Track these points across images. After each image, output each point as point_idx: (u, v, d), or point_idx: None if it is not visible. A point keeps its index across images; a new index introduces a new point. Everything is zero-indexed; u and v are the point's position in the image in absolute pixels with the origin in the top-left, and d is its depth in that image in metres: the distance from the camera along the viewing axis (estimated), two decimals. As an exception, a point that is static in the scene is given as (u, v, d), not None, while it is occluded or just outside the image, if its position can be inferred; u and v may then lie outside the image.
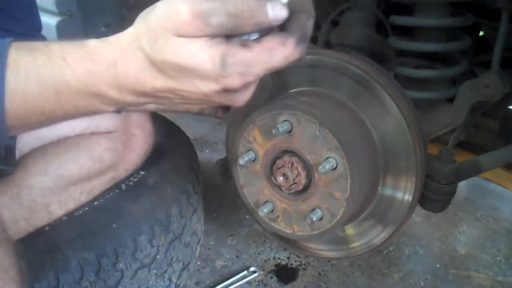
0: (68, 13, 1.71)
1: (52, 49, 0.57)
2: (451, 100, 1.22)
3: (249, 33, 0.55)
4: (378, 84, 0.99)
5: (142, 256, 1.08)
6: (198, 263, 1.59)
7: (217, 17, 0.52)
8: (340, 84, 1.03)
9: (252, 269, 1.56)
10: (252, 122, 0.98)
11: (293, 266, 1.59)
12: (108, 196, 1.12)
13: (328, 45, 1.36)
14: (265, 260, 1.62)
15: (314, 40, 1.43)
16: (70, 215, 1.06)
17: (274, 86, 1.11)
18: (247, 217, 1.80)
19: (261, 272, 1.56)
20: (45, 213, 1.03)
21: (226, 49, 0.53)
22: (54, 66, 0.56)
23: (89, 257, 0.98)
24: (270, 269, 1.58)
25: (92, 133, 1.13)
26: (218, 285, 1.50)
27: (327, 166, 0.89)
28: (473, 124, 1.39)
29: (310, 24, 0.58)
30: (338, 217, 0.93)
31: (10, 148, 1.04)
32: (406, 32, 1.29)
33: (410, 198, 1.03)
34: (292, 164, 0.95)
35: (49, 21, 1.67)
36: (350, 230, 1.12)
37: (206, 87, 0.55)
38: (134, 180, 1.18)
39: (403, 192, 1.03)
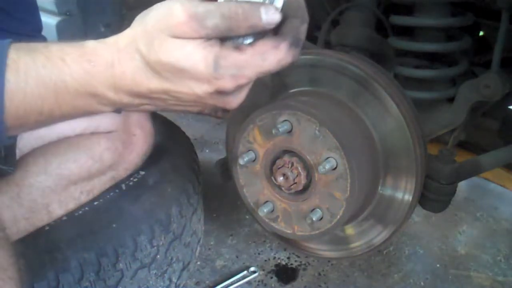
0: (68, 13, 1.71)
1: (51, 50, 0.58)
2: (451, 100, 1.22)
3: (243, 36, 0.56)
4: (378, 84, 0.99)
5: (142, 256, 1.08)
6: (198, 263, 1.59)
7: (212, 19, 0.53)
8: (340, 84, 1.03)
9: (252, 269, 1.56)
10: (252, 122, 0.98)
11: (293, 266, 1.59)
12: (108, 196, 1.12)
13: (328, 45, 1.36)
14: (265, 260, 1.62)
15: (314, 40, 1.43)
16: (70, 215, 1.06)
17: (274, 86, 1.11)
18: (247, 217, 1.80)
19: (261, 272, 1.56)
20: (45, 213, 1.03)
21: (219, 51, 0.54)
22: (53, 66, 0.56)
23: (89, 257, 0.98)
24: (270, 269, 1.58)
25: (92, 133, 1.13)
26: (218, 285, 1.50)
27: (327, 166, 0.89)
28: (473, 124, 1.39)
29: (303, 29, 0.59)
30: (338, 217, 0.93)
31: (10, 148, 1.04)
32: (406, 32, 1.29)
33: (410, 198, 1.03)
34: (292, 164, 0.95)
35: (49, 21, 1.67)
36: (350, 230, 1.12)
37: (200, 88, 0.56)
38: (134, 180, 1.18)
39: (403, 192, 1.03)
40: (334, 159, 0.91)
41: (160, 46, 0.54)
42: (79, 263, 0.96)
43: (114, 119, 1.14)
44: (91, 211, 1.08)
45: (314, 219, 0.94)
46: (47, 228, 1.02)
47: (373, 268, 1.59)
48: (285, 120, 0.93)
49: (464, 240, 1.73)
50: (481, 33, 1.43)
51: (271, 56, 0.56)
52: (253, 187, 1.04)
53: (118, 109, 0.64)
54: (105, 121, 1.13)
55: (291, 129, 0.93)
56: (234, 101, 0.61)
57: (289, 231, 1.02)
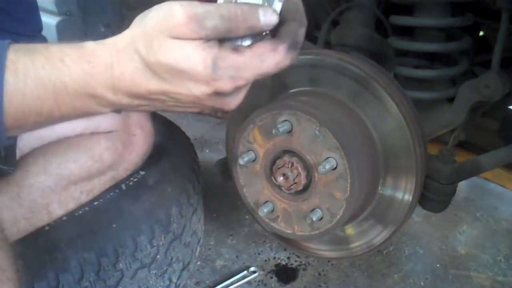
0: (68, 13, 1.71)
1: (51, 51, 0.58)
2: (451, 100, 1.22)
3: (241, 38, 0.57)
4: (378, 84, 0.99)
5: (142, 256, 1.08)
6: (198, 263, 1.58)
7: (211, 20, 0.53)
8: (340, 84, 1.03)
9: (252, 269, 1.56)
10: (252, 122, 0.98)
11: (293, 266, 1.59)
12: (108, 196, 1.12)
13: (328, 45, 1.36)
14: (265, 260, 1.62)
15: (314, 40, 1.43)
16: (70, 215, 1.06)
17: (274, 86, 1.11)
18: (247, 217, 1.80)
19: (261, 272, 1.56)
20: (45, 213, 1.03)
21: (218, 53, 0.54)
22: (52, 67, 0.57)
23: (89, 257, 0.98)
24: (270, 269, 1.58)
25: (92, 133, 1.13)
26: (218, 285, 1.50)
27: (327, 166, 0.90)
28: (473, 124, 1.39)
29: (301, 32, 0.59)
30: (338, 217, 0.94)
31: (10, 148, 1.04)
32: (406, 32, 1.29)
33: (410, 198, 1.03)
34: (292, 164, 0.95)
35: (49, 21, 1.67)
36: (350, 230, 1.12)
37: (198, 89, 0.56)
38: (134, 180, 1.18)
39: (403, 192, 1.03)
40: (334, 159, 0.91)
41: (159, 47, 0.54)
42: (79, 263, 0.96)
43: (114, 119, 1.14)
44: (91, 211, 1.08)
45: (314, 219, 0.94)
46: (47, 228, 1.02)
47: (373, 268, 1.59)
48: (285, 120, 0.93)
49: (464, 240, 1.73)
50: (481, 33, 1.43)
51: (270, 58, 0.56)
52: (253, 187, 1.04)
53: (117, 110, 0.64)
54: (105, 121, 1.13)
55: (291, 129, 0.93)
56: (232, 103, 0.61)
57: (289, 231, 1.02)
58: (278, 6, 0.57)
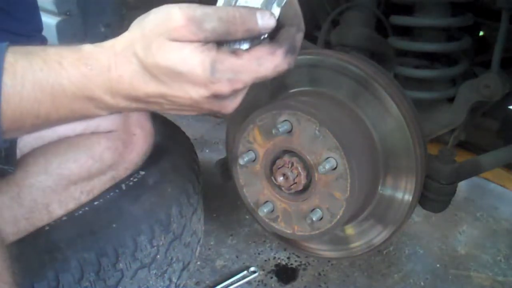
0: (68, 13, 1.71)
1: (49, 53, 0.57)
2: (451, 100, 1.22)
3: (239, 42, 0.57)
4: (378, 84, 0.99)
5: (142, 256, 1.08)
6: (198, 263, 1.58)
7: (210, 22, 0.53)
8: (340, 84, 1.03)
9: (252, 269, 1.57)
10: (252, 122, 0.98)
11: (293, 266, 1.59)
12: (108, 196, 1.12)
13: (328, 45, 1.36)
14: (265, 260, 1.62)
15: (314, 40, 1.43)
16: (70, 215, 1.06)
17: (274, 86, 1.11)
18: (247, 217, 1.80)
19: (261, 272, 1.56)
20: (45, 213, 1.03)
21: (216, 55, 0.55)
22: (50, 70, 0.56)
23: (89, 257, 0.98)
24: (270, 269, 1.58)
25: (92, 133, 1.13)
26: (218, 285, 1.50)
27: (327, 166, 0.90)
28: (473, 124, 1.39)
29: (299, 37, 0.60)
30: (338, 217, 0.94)
31: (11, 148, 1.04)
32: (406, 32, 1.29)
33: (410, 198, 1.03)
34: (292, 164, 0.95)
35: (49, 21, 1.67)
36: (350, 230, 1.12)
37: (196, 92, 0.56)
38: (134, 180, 1.18)
39: (403, 192, 1.03)
40: (334, 159, 0.91)
41: (158, 49, 0.54)
42: (79, 263, 0.96)
43: (114, 119, 1.14)
44: (91, 211, 1.08)
45: (314, 219, 0.94)
46: (47, 228, 1.02)
47: (373, 268, 1.59)
48: (285, 120, 0.93)
49: (464, 240, 1.73)
50: (481, 33, 1.43)
51: (268, 62, 0.57)
52: (253, 187, 1.04)
53: (114, 113, 0.64)
54: (105, 121, 1.13)
55: (291, 129, 0.93)
56: (230, 106, 0.61)
57: (289, 231, 1.02)
58: (276, 10, 0.57)
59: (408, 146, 1.00)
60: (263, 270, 1.57)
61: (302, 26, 0.61)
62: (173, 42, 0.54)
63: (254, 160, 1.00)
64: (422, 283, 1.54)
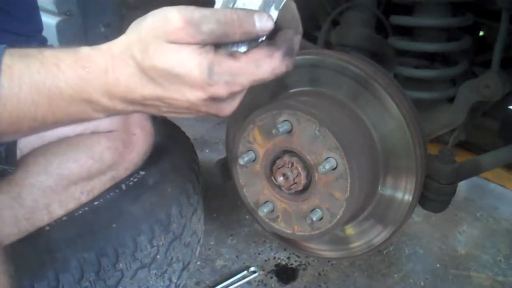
0: (68, 13, 1.71)
1: (46, 55, 0.57)
2: (451, 100, 1.22)
3: (237, 44, 0.57)
4: (378, 84, 0.99)
5: (142, 256, 1.08)
6: (198, 263, 1.58)
7: (208, 24, 0.53)
8: (340, 84, 1.03)
9: (252, 269, 1.57)
10: (252, 122, 0.98)
11: (293, 266, 1.59)
12: (108, 196, 1.12)
13: (328, 45, 1.36)
14: (265, 260, 1.62)
15: (314, 40, 1.43)
16: (70, 215, 1.06)
17: (274, 86, 1.11)
18: (247, 217, 1.80)
19: (261, 272, 1.56)
20: (46, 213, 1.03)
21: (214, 58, 0.54)
22: (47, 72, 0.56)
23: (89, 257, 0.98)
24: (270, 269, 1.58)
25: (92, 133, 1.13)
26: (218, 285, 1.50)
27: (327, 166, 0.90)
28: (473, 124, 1.39)
29: (297, 40, 0.60)
30: (338, 217, 0.94)
31: (11, 148, 1.04)
32: (406, 32, 1.29)
33: (410, 198, 1.03)
34: (292, 164, 0.95)
35: (49, 21, 1.67)
36: (350, 230, 1.12)
37: (193, 95, 0.56)
38: (134, 180, 1.18)
39: (403, 192, 1.03)
40: (334, 159, 0.91)
41: (155, 52, 0.54)
42: (79, 263, 0.96)
43: (114, 119, 1.14)
44: (91, 211, 1.08)
45: (314, 219, 0.94)
46: (47, 228, 1.02)
47: (373, 268, 1.59)
48: (285, 120, 0.93)
49: (464, 240, 1.73)
50: (481, 33, 1.43)
51: (265, 65, 0.56)
52: (253, 187, 1.04)
53: (111, 116, 0.64)
54: (105, 120, 1.13)
55: (291, 129, 0.93)
56: (227, 109, 0.61)
57: (289, 231, 1.02)
58: (274, 13, 0.57)
59: (408, 146, 1.00)
60: (263, 270, 1.57)
61: (300, 28, 0.61)
62: (170, 44, 0.54)
63: (254, 160, 1.00)
64: (422, 283, 1.54)
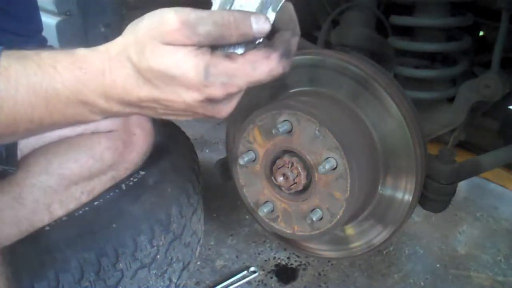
0: (68, 13, 1.71)
1: (43, 57, 0.57)
2: (451, 100, 1.22)
3: (234, 46, 0.57)
4: (378, 84, 0.99)
5: (142, 256, 1.08)
6: (198, 263, 1.59)
7: (204, 26, 0.53)
8: (340, 84, 1.03)
9: (252, 269, 1.57)
10: (252, 122, 0.98)
11: (293, 266, 1.59)
12: (108, 196, 1.12)
13: (328, 45, 1.36)
14: (265, 260, 1.62)
15: (314, 40, 1.43)
16: (70, 215, 1.06)
17: (274, 86, 1.11)
18: (247, 217, 1.80)
19: (261, 272, 1.56)
20: (47, 213, 1.03)
21: (210, 59, 0.54)
22: (44, 74, 0.56)
23: (89, 257, 0.98)
24: (270, 269, 1.58)
25: (93, 133, 1.13)
26: (218, 285, 1.50)
27: (327, 166, 0.90)
28: (473, 124, 1.39)
29: (294, 41, 0.59)
30: (338, 217, 0.94)
31: (11, 148, 1.04)
32: (406, 32, 1.29)
33: (410, 198, 1.03)
34: (292, 164, 0.95)
35: (49, 21, 1.67)
36: (350, 230, 1.12)
37: (190, 96, 0.56)
38: (134, 180, 1.18)
39: (403, 192, 1.03)
40: (334, 159, 0.91)
41: (151, 53, 0.54)
42: (79, 263, 0.96)
43: (114, 119, 1.14)
44: (91, 211, 1.08)
45: (314, 219, 0.94)
46: (47, 228, 1.02)
47: (373, 268, 1.59)
48: (285, 120, 0.93)
49: (464, 240, 1.73)
50: (481, 33, 1.43)
51: (262, 66, 0.56)
52: (253, 187, 1.04)
53: (108, 118, 0.63)
54: (105, 120, 1.11)
55: (291, 129, 0.93)
56: (224, 110, 0.61)
57: (289, 231, 1.02)
58: (271, 15, 0.57)
59: (408, 146, 1.00)
60: (263, 270, 1.57)
61: (298, 30, 0.60)
62: (166, 45, 0.53)
63: (254, 160, 1.00)
64: (422, 283, 1.54)
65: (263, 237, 1.71)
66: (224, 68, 0.55)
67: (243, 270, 1.56)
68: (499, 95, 1.10)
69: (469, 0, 1.18)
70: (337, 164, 0.91)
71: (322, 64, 1.05)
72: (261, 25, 0.55)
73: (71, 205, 1.07)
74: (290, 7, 0.60)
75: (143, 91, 0.57)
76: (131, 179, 1.18)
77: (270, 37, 0.58)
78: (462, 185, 1.72)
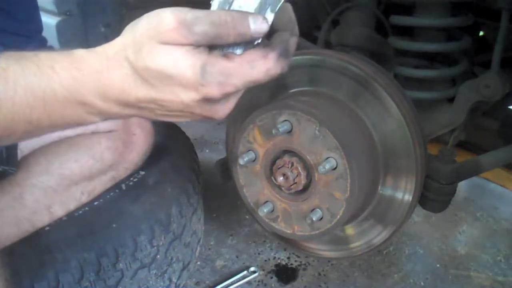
0: (68, 13, 1.71)
1: (41, 58, 0.57)
2: (451, 100, 1.22)
3: (233, 46, 0.57)
4: (378, 84, 0.99)
5: (142, 256, 1.08)
6: (198, 263, 1.59)
7: (201, 25, 0.53)
8: (340, 84, 1.03)
9: (252, 269, 1.57)
10: (252, 122, 0.98)
11: (293, 266, 1.59)
12: (108, 196, 1.12)
13: (328, 45, 1.36)
14: (265, 260, 1.62)
15: (314, 40, 1.43)
16: (70, 215, 1.06)
17: (274, 86, 1.11)
18: (247, 217, 1.80)
19: (261, 272, 1.56)
20: (47, 214, 1.03)
21: (207, 59, 0.54)
22: (42, 74, 0.56)
23: (89, 257, 0.98)
24: (270, 269, 1.58)
25: (93, 133, 1.13)
26: (218, 285, 1.50)
27: (327, 166, 0.90)
28: (473, 124, 1.39)
29: (293, 41, 0.59)
30: (338, 217, 0.94)
31: (12, 148, 1.04)
32: (406, 32, 1.29)
33: (410, 198, 1.03)
34: (292, 164, 0.95)
35: (49, 21, 1.67)
36: (350, 230, 1.12)
37: (187, 96, 0.56)
38: (134, 180, 1.18)
39: (403, 192, 1.03)
40: (334, 159, 0.91)
41: (149, 53, 0.54)
42: (79, 263, 0.96)
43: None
44: (91, 211, 1.08)
45: (314, 219, 0.94)
46: (47, 228, 1.02)
47: (373, 268, 1.59)
48: (285, 120, 0.93)
49: (464, 240, 1.73)
50: (481, 33, 1.43)
51: (260, 66, 0.56)
52: (253, 187, 1.04)
53: (106, 119, 0.63)
54: (105, 121, 1.13)
55: (291, 129, 0.93)
56: (222, 110, 0.60)
57: (289, 231, 1.02)
58: (270, 16, 0.56)
59: (408, 146, 1.00)
60: (263, 270, 1.57)
61: (296, 31, 0.60)
62: (163, 45, 0.53)
63: (254, 160, 1.00)
64: (422, 283, 1.54)
65: (263, 237, 1.71)
66: (221, 67, 0.54)
67: (243, 270, 1.56)
68: (499, 95, 1.10)
69: (469, 0, 1.18)
70: (337, 164, 0.91)
71: (322, 64, 1.05)
72: (259, 25, 0.55)
73: (72, 206, 1.07)
74: (289, 7, 0.60)
75: (141, 91, 0.57)
76: (131, 179, 1.18)
77: (269, 38, 0.58)
78: (462, 185, 1.72)
